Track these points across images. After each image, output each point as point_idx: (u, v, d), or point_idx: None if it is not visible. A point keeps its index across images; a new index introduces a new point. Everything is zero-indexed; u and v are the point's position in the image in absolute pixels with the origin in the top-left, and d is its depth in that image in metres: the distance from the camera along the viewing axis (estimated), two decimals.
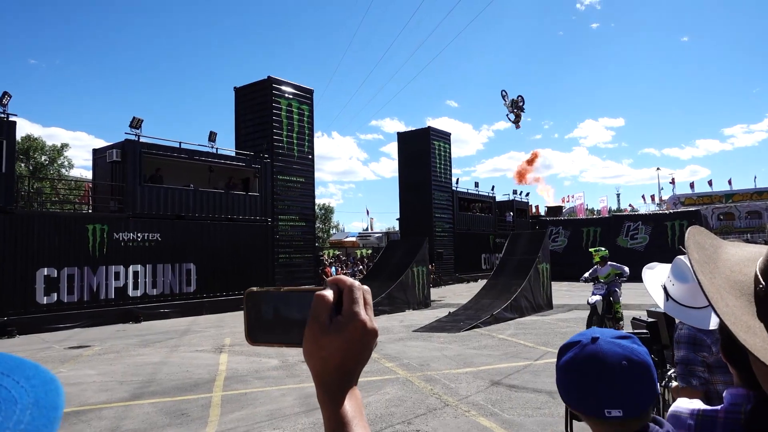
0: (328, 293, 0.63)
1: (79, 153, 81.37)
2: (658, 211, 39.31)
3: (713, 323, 2.15)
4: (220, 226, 18.16)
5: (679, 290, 2.30)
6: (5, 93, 13.81)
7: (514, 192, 38.06)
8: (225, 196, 18.55)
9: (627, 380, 0.99)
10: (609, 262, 10.28)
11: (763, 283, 0.59)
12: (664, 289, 2.40)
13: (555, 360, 1.12)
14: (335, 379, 0.62)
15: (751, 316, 0.58)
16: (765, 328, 0.56)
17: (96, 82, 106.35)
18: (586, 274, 10.69)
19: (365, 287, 0.65)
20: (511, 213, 36.33)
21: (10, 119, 13.96)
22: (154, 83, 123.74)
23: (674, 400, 2.97)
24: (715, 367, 2.27)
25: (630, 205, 52.13)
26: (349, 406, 0.61)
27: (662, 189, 50.96)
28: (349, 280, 0.65)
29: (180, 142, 17.86)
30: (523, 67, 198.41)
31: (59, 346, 11.29)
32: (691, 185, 45.16)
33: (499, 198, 36.38)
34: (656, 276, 2.53)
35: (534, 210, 42.41)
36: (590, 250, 11.07)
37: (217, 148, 18.86)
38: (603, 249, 10.74)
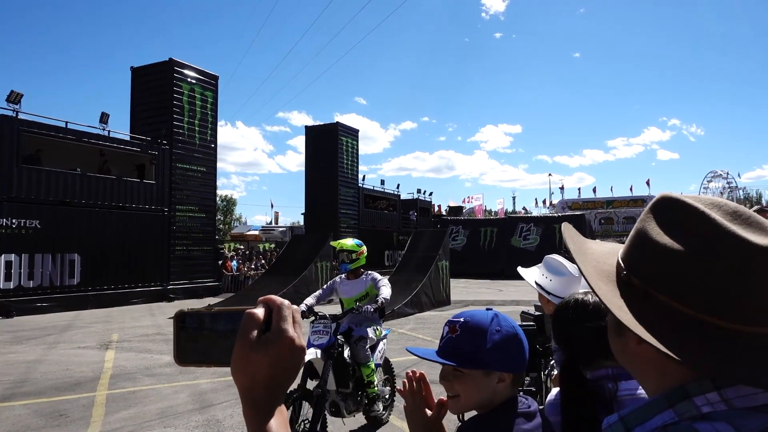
0: (259, 311, 0.65)
1: None
2: (548, 214, 42.18)
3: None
4: (110, 215, 16.93)
5: (556, 283, 2.56)
6: None
7: (419, 191, 39.11)
8: (117, 183, 17.32)
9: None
10: (369, 272, 5.29)
11: (625, 270, 0.68)
12: (539, 285, 2.64)
13: None
14: (263, 395, 0.63)
15: (617, 297, 0.67)
16: (627, 307, 0.66)
17: None
18: (310, 300, 4.95)
19: (294, 306, 0.67)
20: (415, 212, 37.27)
21: None
22: (37, 56, 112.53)
23: (555, 387, 3.23)
24: None
25: (524, 208, 55.53)
26: (275, 422, 0.63)
27: (553, 194, 54.78)
28: (279, 299, 0.67)
29: (66, 122, 16.42)
30: (431, 69, 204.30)
31: None
32: (578, 191, 48.97)
33: (403, 196, 37.21)
34: (531, 273, 2.76)
35: (436, 209, 43.82)
36: (334, 243, 5.64)
37: (109, 131, 17.59)
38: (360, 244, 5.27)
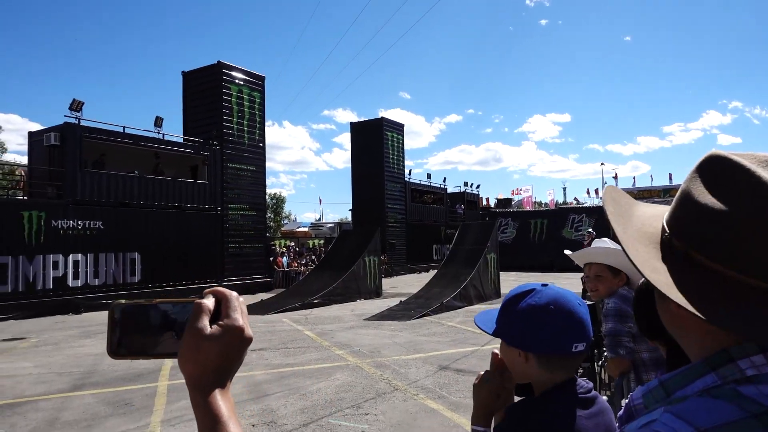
0: (209, 301, 0.67)
1: (12, 137, 77.43)
2: (601, 204, 40.85)
3: None
4: (166, 215, 17.63)
5: None
6: None
7: (465, 184, 38.70)
8: (172, 184, 18.01)
9: (585, 317, 1.10)
10: None
11: (668, 231, 0.67)
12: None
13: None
14: (212, 381, 0.65)
15: (657, 260, 0.66)
16: (667, 269, 0.64)
17: (29, 63, 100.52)
18: None
19: (241, 298, 0.70)
20: (462, 205, 36.93)
21: None
22: (96, 65, 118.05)
23: (608, 374, 3.14)
24: (640, 337, 2.44)
25: (575, 199, 53.93)
26: (224, 406, 0.64)
27: (605, 183, 52.89)
28: (227, 290, 0.69)
29: (124, 127, 17.19)
30: (474, 61, 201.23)
31: None
32: (633, 180, 47.20)
33: (450, 190, 36.91)
34: (608, 246, 2.70)
35: (484, 202, 43.27)
36: None
37: (163, 134, 18.28)
38: None
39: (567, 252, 2.90)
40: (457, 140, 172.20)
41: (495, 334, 1.15)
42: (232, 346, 0.66)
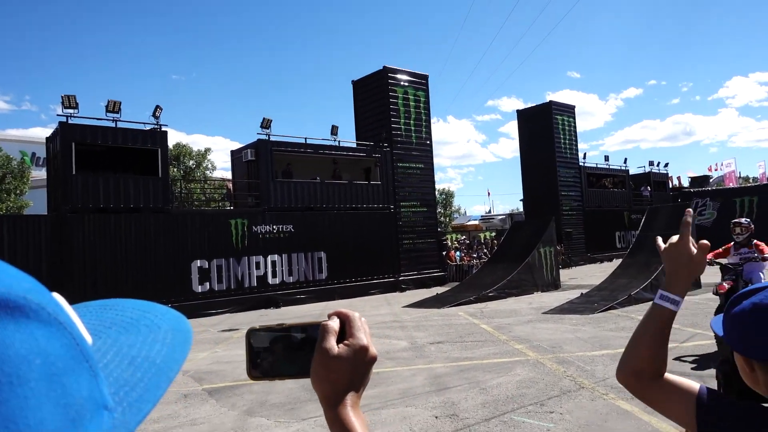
0: (334, 323, 0.71)
1: (219, 156, 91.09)
2: None
3: None
4: (346, 216, 18.95)
5: None
6: (157, 107, 15.56)
7: (651, 164, 34.98)
8: (349, 186, 19.30)
9: None
10: None
11: None
12: None
13: (705, 342, 1.02)
14: (343, 398, 0.69)
15: None
16: None
17: (228, 91, 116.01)
18: None
19: (363, 318, 0.74)
20: (649, 186, 33.50)
21: (162, 130, 15.73)
22: (278, 85, 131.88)
23: None
24: None
25: None
26: (357, 422, 0.68)
27: None
28: (350, 312, 0.73)
29: (305, 138, 18.87)
30: (653, 27, 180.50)
31: (213, 330, 12.59)
32: None
33: (633, 171, 33.71)
34: None
35: (675, 181, 38.72)
36: None
37: (339, 141, 19.63)
38: None
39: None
40: (637, 116, 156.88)
41: (723, 335, 1.00)
42: (359, 365, 0.70)
